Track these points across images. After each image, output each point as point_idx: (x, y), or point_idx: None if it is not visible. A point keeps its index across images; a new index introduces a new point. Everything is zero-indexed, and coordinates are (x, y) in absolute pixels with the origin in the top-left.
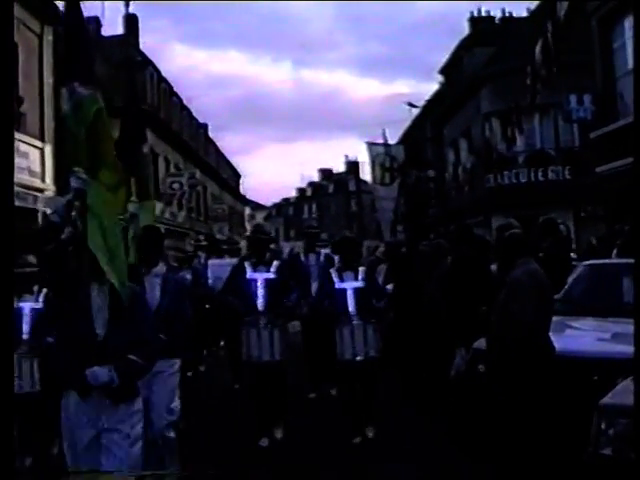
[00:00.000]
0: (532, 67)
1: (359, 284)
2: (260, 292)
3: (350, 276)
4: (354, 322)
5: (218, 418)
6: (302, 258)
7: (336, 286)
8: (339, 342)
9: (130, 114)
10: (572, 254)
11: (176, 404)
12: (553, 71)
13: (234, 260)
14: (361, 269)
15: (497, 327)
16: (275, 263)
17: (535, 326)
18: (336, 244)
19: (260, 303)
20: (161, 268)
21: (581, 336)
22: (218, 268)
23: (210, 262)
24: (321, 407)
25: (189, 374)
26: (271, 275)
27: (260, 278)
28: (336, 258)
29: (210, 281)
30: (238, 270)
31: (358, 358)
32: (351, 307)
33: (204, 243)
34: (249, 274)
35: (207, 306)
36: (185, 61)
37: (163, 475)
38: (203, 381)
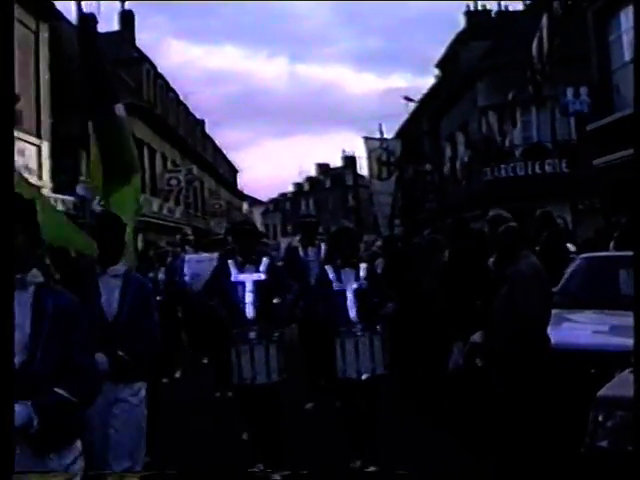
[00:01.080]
0: (529, 61)
1: (361, 284)
2: (249, 297)
3: (350, 275)
4: (358, 333)
5: (197, 434)
6: (300, 253)
7: (334, 287)
8: (340, 358)
9: (89, 58)
10: (570, 245)
11: (141, 446)
12: (546, 66)
13: (214, 255)
14: (363, 266)
15: (501, 320)
16: (265, 261)
17: (540, 319)
18: (333, 236)
19: (249, 311)
20: (121, 267)
21: (579, 329)
22: (195, 264)
23: (187, 257)
24: (319, 419)
25: (165, 380)
26: (261, 276)
27: (248, 280)
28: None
29: (187, 278)
30: (220, 271)
31: (363, 377)
32: (352, 314)
33: (191, 237)
34: (234, 276)
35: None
36: (181, 57)
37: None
38: (180, 390)
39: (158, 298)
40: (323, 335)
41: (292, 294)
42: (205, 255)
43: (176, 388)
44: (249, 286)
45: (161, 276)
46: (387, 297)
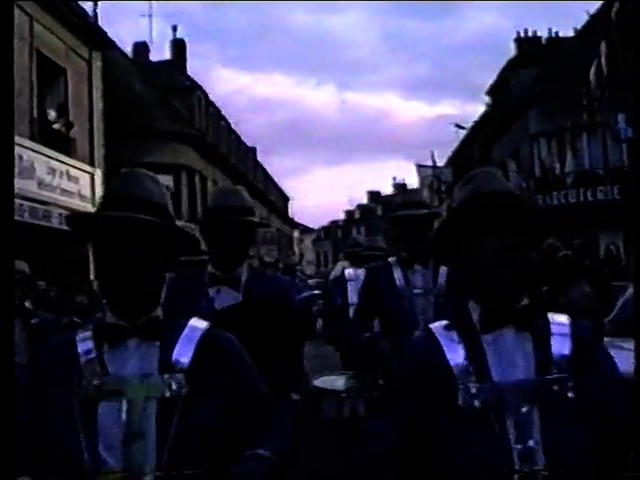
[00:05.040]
0: (587, 88)
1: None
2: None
3: (517, 344)
4: None
5: None
6: (397, 277)
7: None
8: None
9: None
10: None
11: None
12: (605, 92)
13: None
14: (559, 324)
15: None
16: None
17: None
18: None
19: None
20: None
21: (632, 357)
22: None
23: None
24: None
25: None
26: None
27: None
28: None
29: None
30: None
31: None
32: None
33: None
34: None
35: None
36: (230, 85)
37: None
38: None
39: None
40: None
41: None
42: None
43: None
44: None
45: None
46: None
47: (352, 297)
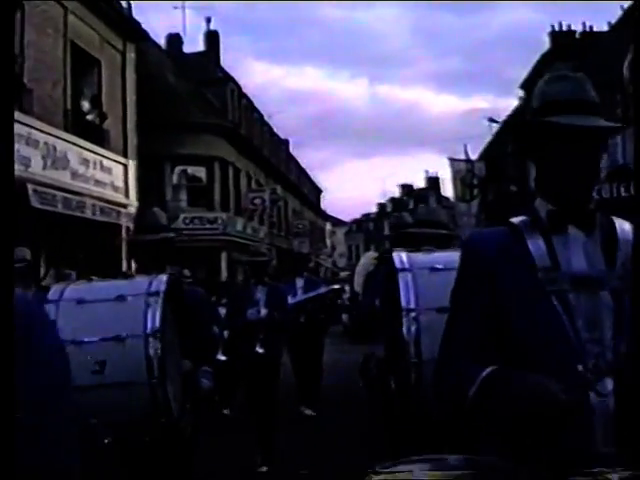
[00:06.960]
0: (621, 82)
1: None
2: None
3: None
4: None
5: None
6: (535, 254)
7: None
8: None
9: None
10: None
11: None
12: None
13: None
14: None
15: None
16: None
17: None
18: None
19: None
20: None
21: None
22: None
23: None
24: None
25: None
26: None
27: None
28: None
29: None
30: None
31: None
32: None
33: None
34: None
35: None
36: (262, 77)
37: None
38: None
39: None
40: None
41: None
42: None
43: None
44: None
45: None
46: None
47: (408, 298)
